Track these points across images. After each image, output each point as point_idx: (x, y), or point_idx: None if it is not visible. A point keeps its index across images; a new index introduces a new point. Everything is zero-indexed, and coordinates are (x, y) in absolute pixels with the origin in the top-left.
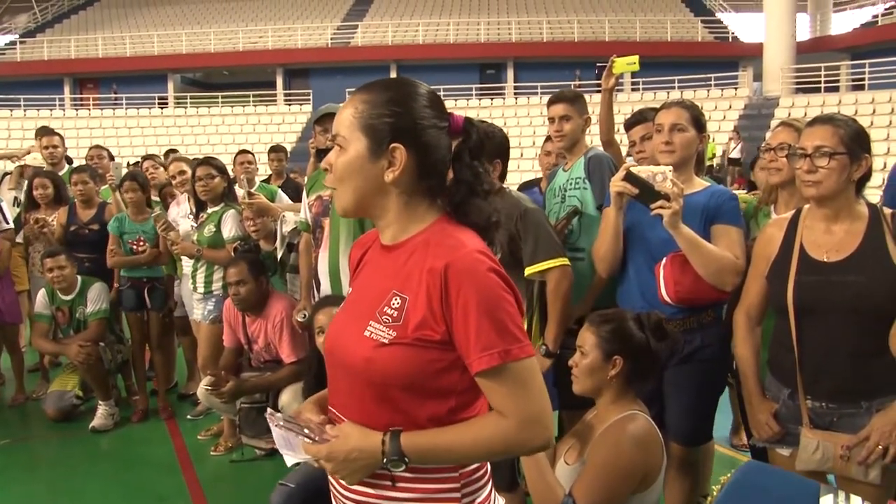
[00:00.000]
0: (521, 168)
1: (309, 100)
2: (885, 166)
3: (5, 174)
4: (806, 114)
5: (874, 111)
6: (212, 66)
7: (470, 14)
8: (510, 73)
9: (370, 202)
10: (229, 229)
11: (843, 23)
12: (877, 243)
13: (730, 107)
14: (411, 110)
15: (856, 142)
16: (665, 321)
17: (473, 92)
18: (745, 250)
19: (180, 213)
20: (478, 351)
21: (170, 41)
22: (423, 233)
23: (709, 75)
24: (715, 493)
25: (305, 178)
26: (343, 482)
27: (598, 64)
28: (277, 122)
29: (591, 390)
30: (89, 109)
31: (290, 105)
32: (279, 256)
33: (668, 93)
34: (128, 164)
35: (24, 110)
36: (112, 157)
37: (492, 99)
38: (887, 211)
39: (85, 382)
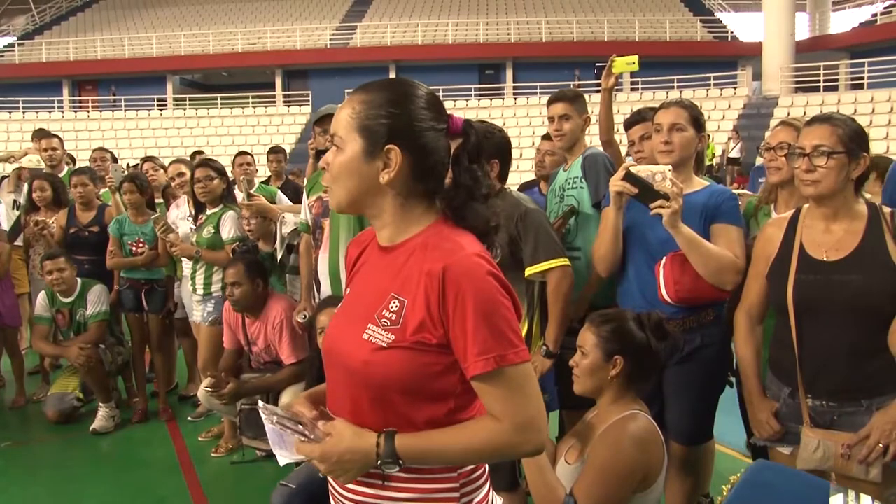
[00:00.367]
0: (521, 168)
1: (308, 101)
2: None
3: (3, 177)
4: (805, 113)
5: (873, 110)
6: (211, 68)
7: (469, 14)
8: (509, 74)
9: (365, 201)
10: (228, 231)
11: (843, 22)
12: (876, 242)
13: (729, 106)
14: (408, 112)
15: (854, 141)
16: (665, 321)
17: (472, 92)
18: (744, 249)
19: (180, 214)
20: (474, 355)
21: (168, 43)
22: (421, 235)
23: (708, 75)
24: (725, 493)
25: (305, 180)
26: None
27: (597, 64)
28: (276, 123)
29: (592, 390)
30: (88, 111)
31: (289, 106)
32: (279, 258)
33: (668, 92)
34: (127, 166)
35: (23, 112)
36: (116, 160)
37: (491, 99)
38: (887, 210)
39: (85, 384)
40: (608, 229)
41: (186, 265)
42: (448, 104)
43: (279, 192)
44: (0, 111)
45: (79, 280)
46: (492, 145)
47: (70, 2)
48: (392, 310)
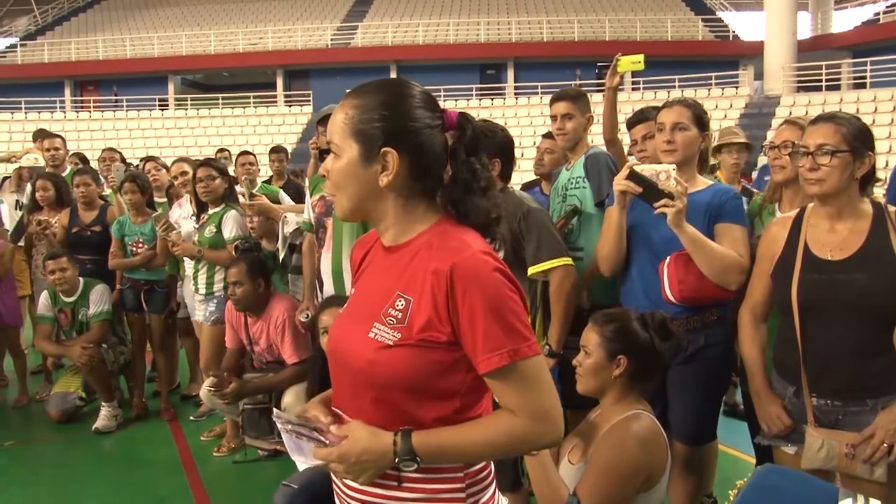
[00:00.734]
0: (522, 168)
1: (309, 101)
2: (887, 164)
3: (5, 178)
4: (807, 112)
5: (876, 109)
6: (212, 68)
7: (470, 14)
8: (510, 74)
9: (368, 207)
10: (230, 230)
11: (845, 21)
12: (881, 241)
13: (731, 106)
14: (402, 113)
15: (858, 139)
16: (669, 320)
17: (473, 92)
18: (749, 249)
19: (182, 214)
20: (486, 351)
21: (170, 43)
22: (425, 234)
23: (709, 74)
24: (731, 497)
25: (306, 179)
26: (350, 482)
27: (598, 64)
28: (278, 123)
29: (596, 390)
30: (90, 112)
31: (290, 106)
32: (281, 257)
33: (669, 92)
34: (127, 167)
35: (26, 113)
36: (124, 160)
37: (492, 99)
38: (892, 209)
39: (88, 384)
40: (612, 228)
41: (189, 265)
42: (449, 104)
43: (281, 191)
44: (2, 111)
45: (81, 280)
46: (494, 144)
47: (72, 2)
48: (398, 308)
